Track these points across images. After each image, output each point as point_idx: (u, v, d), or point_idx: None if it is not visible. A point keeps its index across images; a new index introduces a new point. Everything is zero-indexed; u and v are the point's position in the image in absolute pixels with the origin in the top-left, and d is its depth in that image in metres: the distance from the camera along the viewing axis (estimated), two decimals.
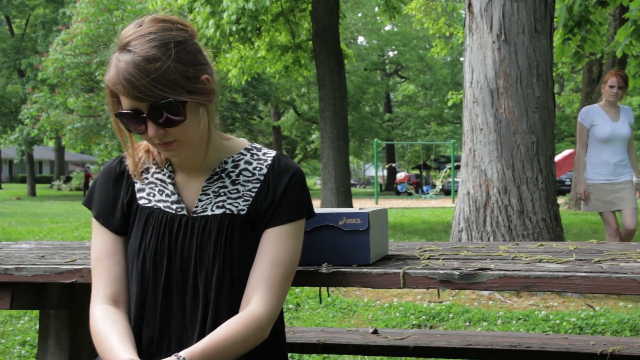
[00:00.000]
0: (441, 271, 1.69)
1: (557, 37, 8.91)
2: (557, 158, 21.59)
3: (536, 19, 5.38)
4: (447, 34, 19.94)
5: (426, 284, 1.70)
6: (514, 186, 5.38)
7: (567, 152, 22.82)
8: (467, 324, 4.60)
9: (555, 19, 6.66)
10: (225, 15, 11.06)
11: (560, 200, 18.91)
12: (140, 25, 1.52)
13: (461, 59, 37.30)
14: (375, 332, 3.04)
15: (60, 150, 43.74)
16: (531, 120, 5.40)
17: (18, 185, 51.33)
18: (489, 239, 5.40)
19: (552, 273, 1.63)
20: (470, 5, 5.59)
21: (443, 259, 1.90)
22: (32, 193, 37.57)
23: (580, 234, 10.95)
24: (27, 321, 4.73)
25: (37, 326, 4.51)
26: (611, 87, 5.84)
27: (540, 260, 1.84)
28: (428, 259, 1.91)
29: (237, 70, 15.13)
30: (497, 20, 5.37)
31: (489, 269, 1.69)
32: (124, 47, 1.49)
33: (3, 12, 36.70)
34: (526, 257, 1.90)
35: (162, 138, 1.53)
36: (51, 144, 37.06)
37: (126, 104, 1.51)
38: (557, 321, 4.49)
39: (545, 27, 5.45)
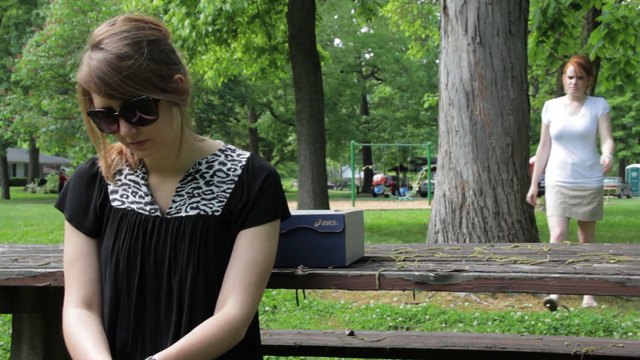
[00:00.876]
0: (416, 273, 1.69)
1: (531, 40, 9.00)
2: (532, 160, 21.77)
3: (510, 22, 5.43)
4: (423, 36, 20.01)
5: (402, 286, 1.70)
6: (489, 188, 5.42)
7: None
8: (444, 325, 4.63)
9: (529, 22, 6.72)
10: (202, 16, 11.03)
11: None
12: (113, 24, 1.51)
13: (437, 61, 37.49)
14: (351, 333, 3.04)
15: (34, 152, 43.31)
16: (506, 122, 5.45)
17: None
18: (465, 241, 5.44)
19: (526, 274, 1.64)
20: (445, 7, 5.62)
21: (418, 261, 1.90)
22: (6, 196, 37.14)
23: None
24: (1, 325, 4.67)
25: (11, 330, 4.46)
26: (570, 77, 5.07)
27: (515, 262, 1.85)
28: (403, 260, 1.92)
29: (213, 72, 15.11)
30: (472, 22, 5.41)
31: (463, 270, 1.70)
32: (96, 46, 1.48)
33: None
34: (501, 259, 1.91)
35: (134, 137, 1.52)
36: (25, 146, 36.74)
37: (98, 102, 1.49)
38: (532, 322, 4.53)
39: (519, 29, 5.51)
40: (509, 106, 5.47)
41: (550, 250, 2.10)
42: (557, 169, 5.11)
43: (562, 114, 5.10)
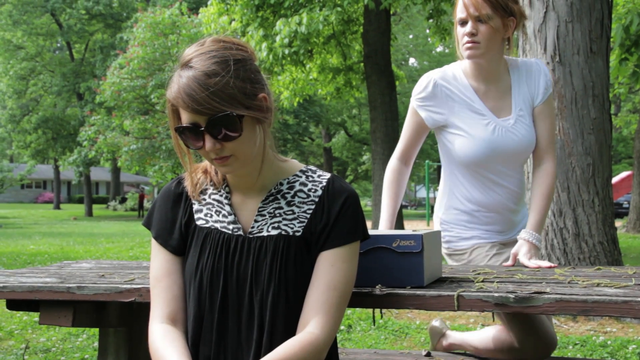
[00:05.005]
0: (496, 294, 1.68)
1: (613, 57, 8.76)
2: (614, 180, 21.11)
3: (592, 40, 5.31)
4: None
5: (481, 307, 1.69)
6: (569, 209, 5.29)
7: (624, 174, 22.29)
8: None
9: (611, 39, 6.56)
10: (278, 38, 11.22)
11: (618, 223, 18.50)
12: (202, 45, 1.59)
13: None
14: (428, 355, 3.02)
15: (116, 171, 44.71)
16: (587, 141, 5.32)
17: (76, 206, 52.62)
18: None
19: (610, 298, 1.60)
20: (523, 26, 5.55)
21: (497, 282, 1.88)
22: (89, 213, 38.46)
23: (639, 258, 10.67)
24: (85, 339, 4.83)
25: (95, 344, 4.61)
26: (461, 23, 2.48)
27: (598, 285, 1.80)
28: (482, 281, 1.90)
29: (289, 92, 15.30)
30: (552, 41, 5.32)
31: (545, 292, 1.67)
32: (186, 64, 1.55)
33: (64, 38, 37.89)
34: (583, 281, 1.87)
35: (218, 152, 1.57)
36: (107, 165, 37.96)
37: (186, 118, 1.55)
38: (616, 347, 4.38)
39: (601, 47, 5.38)
40: (590, 125, 5.33)
41: (635, 274, 2.04)
42: (478, 219, 2.65)
43: (474, 111, 2.53)
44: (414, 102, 2.61)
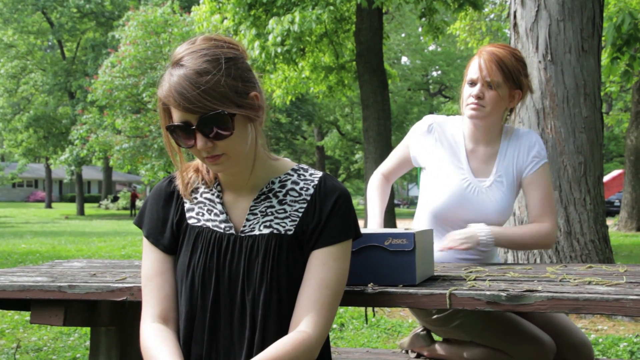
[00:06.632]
0: (488, 292, 1.68)
1: (605, 56, 8.78)
2: (606, 179, 21.19)
3: (583, 38, 5.33)
4: None
5: (473, 305, 1.69)
6: (561, 207, 5.30)
7: (615, 172, 22.38)
8: None
9: (602, 38, 6.58)
10: (270, 37, 11.21)
11: (610, 221, 18.57)
12: (193, 43, 1.58)
13: None
14: (418, 356, 3.02)
15: (108, 170, 44.59)
16: (578, 140, 5.33)
17: (67, 205, 52.46)
18: (535, 261, 5.33)
19: (602, 295, 1.61)
20: (515, 25, 5.56)
21: (489, 280, 1.89)
22: (81, 212, 38.38)
23: (631, 256, 10.72)
24: (77, 338, 4.81)
25: (87, 343, 4.60)
26: (471, 84, 2.52)
27: (590, 283, 1.81)
28: (474, 279, 1.90)
29: (281, 90, 15.28)
30: (543, 40, 5.33)
31: (536, 290, 1.68)
32: (177, 63, 1.54)
33: (55, 36, 37.75)
34: (575, 279, 1.87)
35: (210, 151, 1.56)
36: (99, 164, 37.85)
37: (177, 117, 1.55)
38: (607, 345, 4.40)
39: (592, 46, 5.39)
40: (581, 124, 5.35)
41: (627, 272, 2.05)
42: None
43: (456, 165, 2.58)
44: (409, 134, 2.70)
